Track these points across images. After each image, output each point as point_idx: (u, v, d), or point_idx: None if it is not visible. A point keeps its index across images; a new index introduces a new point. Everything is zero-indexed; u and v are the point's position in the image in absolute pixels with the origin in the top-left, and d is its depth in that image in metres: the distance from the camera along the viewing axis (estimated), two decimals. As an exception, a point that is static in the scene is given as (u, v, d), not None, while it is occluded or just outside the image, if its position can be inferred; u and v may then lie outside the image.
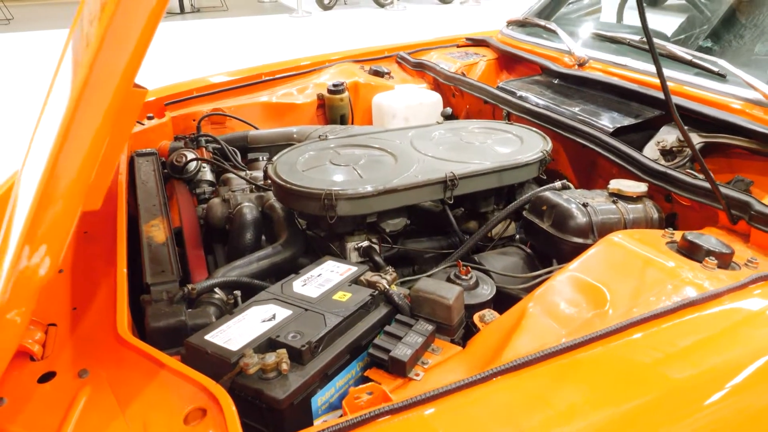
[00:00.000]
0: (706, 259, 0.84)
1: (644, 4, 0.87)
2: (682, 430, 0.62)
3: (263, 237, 1.30)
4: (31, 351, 0.85)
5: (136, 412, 0.74)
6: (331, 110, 1.84)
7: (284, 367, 0.78)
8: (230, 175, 1.46)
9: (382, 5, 10.30)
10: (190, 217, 1.34)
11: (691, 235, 0.88)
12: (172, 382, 0.77)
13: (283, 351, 0.79)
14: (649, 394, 0.64)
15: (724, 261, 0.85)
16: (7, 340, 0.68)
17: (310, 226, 1.26)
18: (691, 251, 0.87)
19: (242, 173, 1.45)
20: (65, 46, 0.72)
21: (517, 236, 1.31)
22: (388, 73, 2.01)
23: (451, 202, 1.19)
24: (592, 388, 0.66)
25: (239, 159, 1.62)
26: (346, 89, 1.84)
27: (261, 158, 1.60)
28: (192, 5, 10.41)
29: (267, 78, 1.98)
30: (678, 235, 0.92)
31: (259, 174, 1.47)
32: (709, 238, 0.88)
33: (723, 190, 0.99)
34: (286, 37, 7.78)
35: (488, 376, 0.67)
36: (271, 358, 0.78)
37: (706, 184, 1.03)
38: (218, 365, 0.79)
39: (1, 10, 8.98)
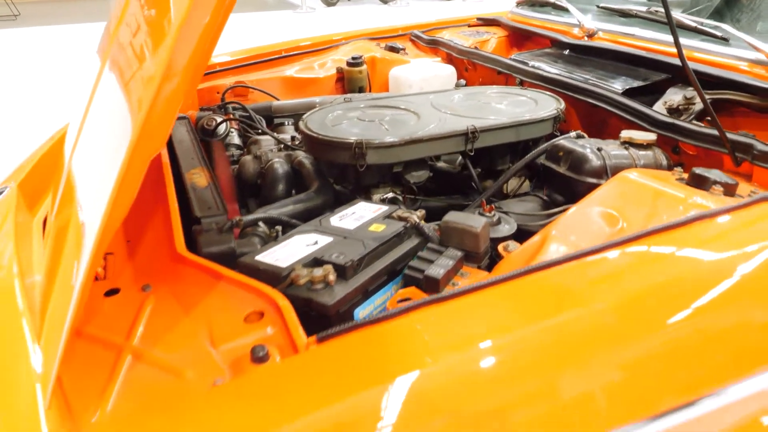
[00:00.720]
0: (713, 187, 0.92)
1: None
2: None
3: (293, 192, 1.38)
4: (95, 272, 0.93)
5: (199, 316, 0.82)
6: (350, 82, 1.92)
7: (331, 278, 0.86)
8: (258, 137, 1.54)
9: (385, 2, 10.39)
10: (226, 172, 1.42)
11: (698, 170, 0.96)
12: (231, 290, 0.85)
13: (329, 266, 0.87)
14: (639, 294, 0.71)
15: (730, 190, 0.93)
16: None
17: (338, 181, 1.34)
18: (698, 182, 0.95)
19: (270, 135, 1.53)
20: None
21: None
22: (403, 49, 2.09)
23: (472, 153, 1.27)
24: (581, 289, 0.73)
25: (264, 126, 1.70)
26: (365, 63, 1.92)
27: (287, 123, 1.68)
28: None
29: (287, 54, 2.06)
30: (686, 175, 1.01)
31: (286, 137, 1.55)
32: (715, 171, 0.96)
33: (728, 135, 1.07)
34: (290, 34, 7.86)
35: (515, 275, 0.74)
36: (318, 272, 0.86)
37: (712, 131, 1.11)
38: (270, 280, 0.87)
39: (8, 6, 9.06)
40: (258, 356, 0.71)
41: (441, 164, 1.44)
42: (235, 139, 1.64)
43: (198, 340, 0.78)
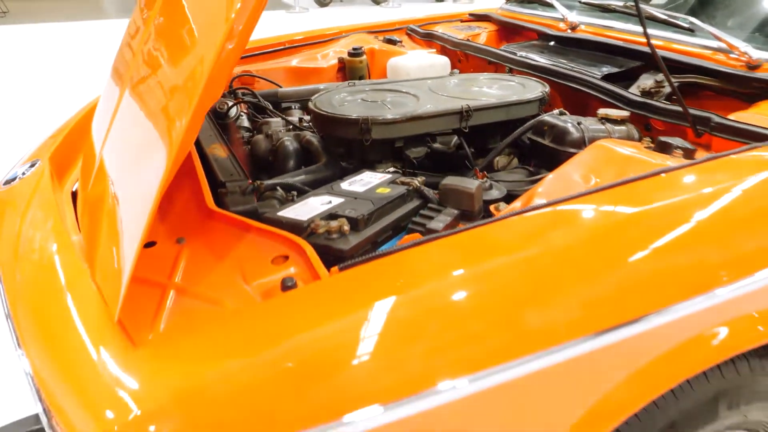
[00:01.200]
0: (675, 151, 1.07)
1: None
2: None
3: (303, 167, 1.51)
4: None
5: (231, 260, 0.95)
6: (351, 72, 2.05)
7: (345, 228, 0.99)
8: (269, 119, 1.67)
9: (377, 2, 10.53)
10: (240, 150, 1.55)
11: (663, 138, 1.11)
12: (258, 239, 0.98)
13: (344, 219, 1.01)
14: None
15: (689, 154, 1.07)
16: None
17: (344, 158, 1.47)
18: (663, 148, 1.09)
19: (279, 117, 1.66)
20: None
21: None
22: (400, 42, 2.23)
23: (467, 131, 1.41)
24: (552, 230, 0.87)
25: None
26: (365, 53, 2.06)
27: (293, 107, 1.81)
28: None
29: (290, 45, 2.19)
30: (654, 144, 1.15)
31: (294, 119, 1.68)
32: (677, 139, 1.10)
33: (689, 110, 1.22)
34: (283, 34, 7.97)
35: (497, 219, 0.88)
36: (334, 223, 1.00)
37: (677, 108, 1.26)
38: (292, 231, 1.00)
39: (-3, 4, 9.11)
40: (287, 285, 0.84)
41: (437, 145, 1.57)
42: (245, 122, 1.77)
43: (232, 279, 0.91)
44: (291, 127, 1.61)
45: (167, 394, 0.67)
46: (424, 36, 2.27)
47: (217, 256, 0.98)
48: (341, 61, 2.09)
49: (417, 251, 0.84)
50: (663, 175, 0.94)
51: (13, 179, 1.30)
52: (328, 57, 2.12)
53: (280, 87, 2.00)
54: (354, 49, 2.05)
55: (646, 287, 0.81)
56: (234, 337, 0.75)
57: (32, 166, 1.33)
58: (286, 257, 0.93)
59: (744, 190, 0.92)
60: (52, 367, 0.78)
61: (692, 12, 1.82)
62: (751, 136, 1.11)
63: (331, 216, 1.04)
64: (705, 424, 0.96)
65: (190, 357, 0.72)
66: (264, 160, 1.54)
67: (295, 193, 1.23)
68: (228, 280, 0.91)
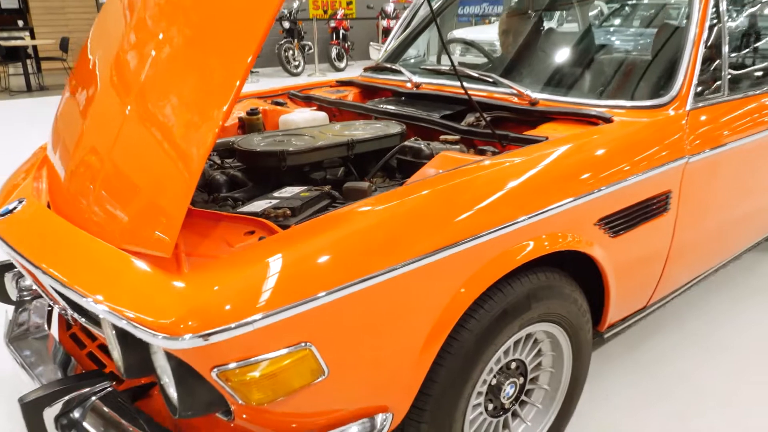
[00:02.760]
0: (488, 153, 1.71)
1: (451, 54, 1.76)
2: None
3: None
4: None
5: (216, 236, 1.40)
6: (250, 128, 2.55)
7: (288, 213, 1.49)
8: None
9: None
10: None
11: (481, 147, 1.76)
12: (230, 223, 1.44)
13: (285, 208, 1.50)
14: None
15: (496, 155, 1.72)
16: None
17: (264, 183, 1.96)
18: (481, 152, 1.74)
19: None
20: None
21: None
22: (285, 104, 2.79)
23: (353, 157, 1.97)
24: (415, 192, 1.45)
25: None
26: (260, 112, 2.58)
27: (212, 153, 2.26)
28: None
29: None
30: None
31: (216, 160, 2.14)
32: (490, 147, 1.75)
33: (496, 132, 1.89)
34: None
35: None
36: (279, 210, 1.49)
37: (488, 131, 1.93)
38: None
39: None
40: (262, 238, 1.32)
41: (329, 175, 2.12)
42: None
43: (220, 245, 1.37)
44: (216, 166, 2.07)
45: (209, 294, 1.12)
46: (304, 98, 2.85)
47: (205, 235, 1.42)
48: (241, 120, 2.58)
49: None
50: (485, 162, 1.57)
51: (7, 212, 1.62)
52: (230, 117, 2.61)
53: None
54: (252, 109, 2.57)
55: (475, 218, 1.40)
56: (239, 262, 1.21)
57: (20, 203, 1.66)
58: (253, 231, 1.41)
59: (520, 163, 1.57)
60: (123, 296, 1.18)
61: (505, 72, 2.59)
62: (529, 142, 1.80)
63: (276, 207, 1.53)
64: (523, 312, 1.56)
65: (217, 276, 1.17)
66: (200, 190, 1.98)
67: (241, 201, 1.70)
68: (218, 246, 1.37)
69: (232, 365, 1.12)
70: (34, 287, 2.08)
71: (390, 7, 14.04)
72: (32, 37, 11.65)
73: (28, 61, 10.57)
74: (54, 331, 1.90)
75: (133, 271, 1.25)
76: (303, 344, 1.17)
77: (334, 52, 13.05)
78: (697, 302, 3.02)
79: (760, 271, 3.34)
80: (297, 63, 12.42)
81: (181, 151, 1.30)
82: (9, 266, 2.09)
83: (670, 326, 2.80)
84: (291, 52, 12.31)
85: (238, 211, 1.52)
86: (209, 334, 1.08)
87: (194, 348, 1.09)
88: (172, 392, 1.20)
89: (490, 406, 1.70)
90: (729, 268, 3.36)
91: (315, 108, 2.79)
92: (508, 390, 1.72)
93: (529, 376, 1.80)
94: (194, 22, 1.43)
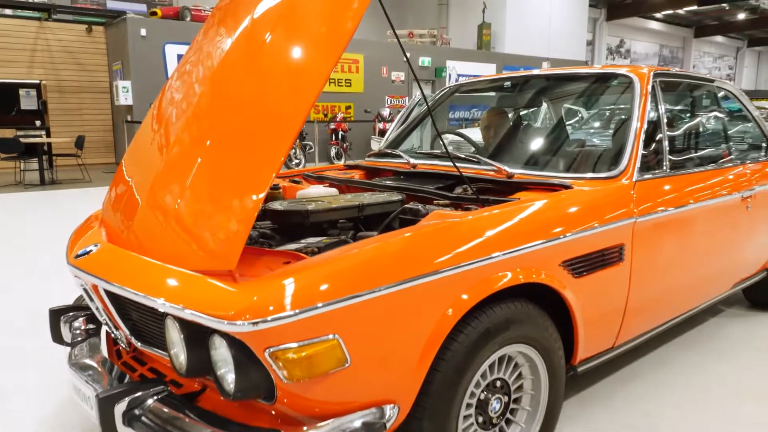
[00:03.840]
0: (472, 211, 2.15)
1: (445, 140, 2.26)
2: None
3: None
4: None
5: (260, 264, 1.80)
6: (272, 200, 3.01)
7: (315, 251, 1.90)
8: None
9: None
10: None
11: (466, 205, 2.20)
12: (271, 257, 1.84)
13: (315, 247, 1.91)
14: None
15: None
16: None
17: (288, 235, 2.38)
18: (467, 210, 2.17)
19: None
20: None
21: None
22: (300, 183, 3.26)
23: (363, 218, 2.41)
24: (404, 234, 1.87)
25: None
26: (281, 188, 3.05)
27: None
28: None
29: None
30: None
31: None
32: (474, 207, 2.20)
33: (480, 197, 2.34)
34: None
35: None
36: (311, 248, 1.90)
37: (474, 197, 2.38)
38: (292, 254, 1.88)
39: None
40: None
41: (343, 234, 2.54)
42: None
43: (264, 270, 1.76)
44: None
45: (259, 296, 1.51)
46: (317, 178, 3.33)
47: (252, 264, 1.82)
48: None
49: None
50: (469, 217, 2.01)
51: (86, 253, 2.01)
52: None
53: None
54: (274, 186, 3.03)
55: (462, 251, 1.81)
56: (279, 276, 1.60)
57: (96, 246, 2.06)
58: (288, 262, 1.81)
59: (498, 214, 2.00)
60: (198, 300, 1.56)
61: (493, 154, 3.10)
62: (503, 203, 2.24)
63: (306, 246, 1.94)
64: (503, 332, 1.93)
65: (263, 284, 1.56)
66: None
67: (275, 245, 2.11)
68: (262, 271, 1.77)
69: (281, 347, 1.48)
70: (85, 328, 2.42)
71: (386, 112, 15.15)
72: (47, 135, 12.43)
73: (44, 157, 11.25)
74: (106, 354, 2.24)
75: (202, 284, 1.63)
76: (331, 335, 1.54)
77: (333, 152, 13.94)
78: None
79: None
80: (298, 161, 13.22)
81: (243, 191, 1.74)
82: (63, 311, 2.45)
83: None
84: (293, 150, 13.14)
85: (279, 248, 1.93)
86: (257, 323, 1.46)
87: (249, 332, 1.46)
88: (231, 377, 1.55)
89: (480, 419, 2.02)
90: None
91: (327, 185, 3.27)
92: (495, 404, 2.04)
93: (513, 396, 2.13)
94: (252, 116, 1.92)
